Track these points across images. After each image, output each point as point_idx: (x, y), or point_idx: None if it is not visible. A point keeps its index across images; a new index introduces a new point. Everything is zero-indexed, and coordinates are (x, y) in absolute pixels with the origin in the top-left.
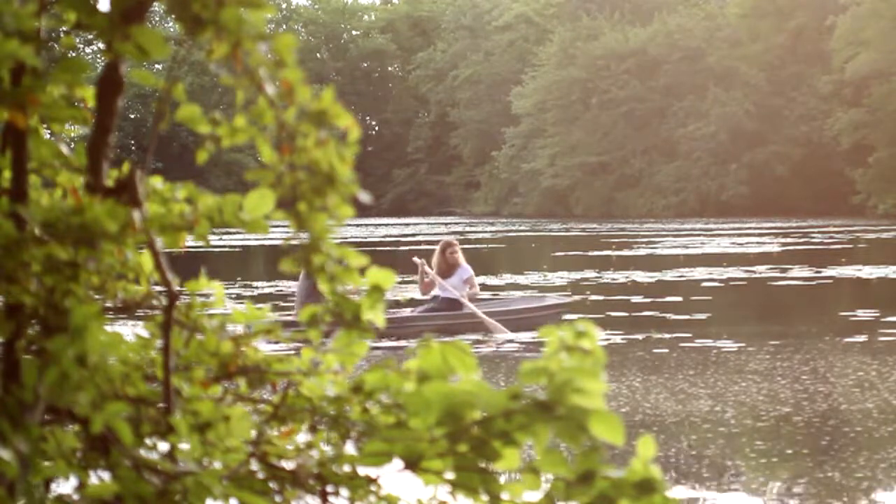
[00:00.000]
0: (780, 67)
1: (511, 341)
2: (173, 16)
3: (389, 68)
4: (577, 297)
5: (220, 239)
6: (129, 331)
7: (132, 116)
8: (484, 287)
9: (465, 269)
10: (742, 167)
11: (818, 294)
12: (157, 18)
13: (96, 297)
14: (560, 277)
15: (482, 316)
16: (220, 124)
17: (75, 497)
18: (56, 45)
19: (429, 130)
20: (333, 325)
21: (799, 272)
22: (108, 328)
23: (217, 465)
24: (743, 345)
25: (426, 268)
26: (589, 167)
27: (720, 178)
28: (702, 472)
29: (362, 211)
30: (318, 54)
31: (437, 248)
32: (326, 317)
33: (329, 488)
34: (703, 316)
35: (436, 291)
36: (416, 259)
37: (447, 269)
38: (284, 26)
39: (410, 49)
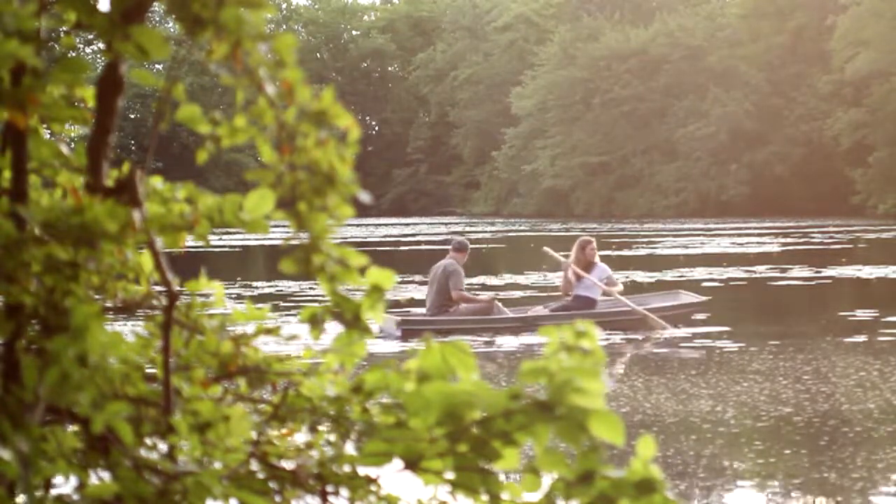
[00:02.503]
0: (780, 67)
1: (672, 336)
2: (173, 16)
3: (389, 68)
4: (708, 297)
5: (220, 239)
6: (129, 331)
7: (132, 116)
8: (483, 287)
9: (603, 269)
10: (742, 167)
11: (818, 294)
12: (157, 18)
13: (96, 297)
14: (560, 277)
15: (642, 311)
16: (220, 124)
17: (75, 497)
18: (56, 45)
19: (429, 130)
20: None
21: (799, 272)
22: (108, 328)
23: (217, 465)
24: (743, 345)
25: (572, 265)
26: (589, 167)
27: (720, 178)
28: (702, 472)
29: (362, 211)
30: (318, 54)
31: (576, 244)
32: (326, 316)
33: (329, 488)
34: (703, 316)
35: (576, 290)
36: (554, 254)
37: (585, 267)
38: (284, 26)
39: (410, 49)
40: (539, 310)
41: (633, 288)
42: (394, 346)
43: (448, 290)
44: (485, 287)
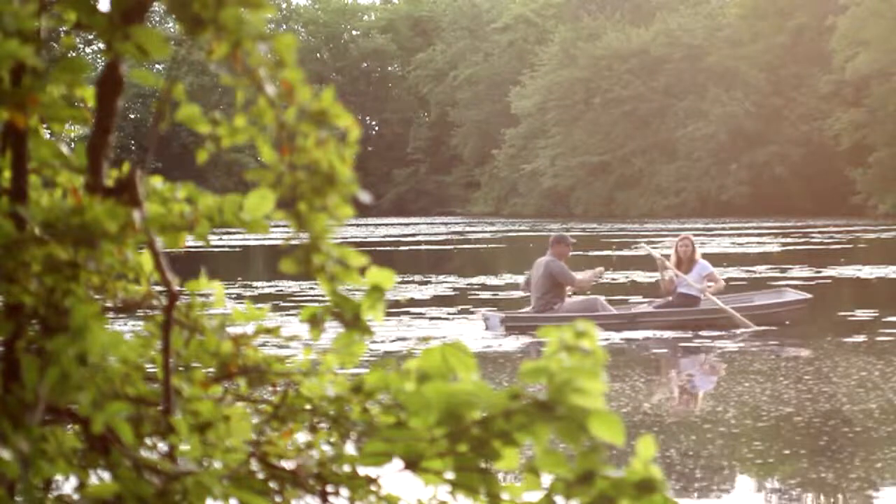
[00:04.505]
0: (780, 67)
1: (756, 335)
2: (173, 16)
3: (389, 68)
4: (810, 295)
5: (220, 239)
6: (129, 331)
7: (132, 116)
8: (483, 287)
9: (704, 266)
10: (742, 167)
11: (818, 294)
12: (157, 18)
13: (96, 297)
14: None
15: (728, 310)
16: (220, 124)
17: (75, 497)
18: (56, 45)
19: (429, 130)
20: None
21: (799, 272)
22: (108, 328)
23: (217, 465)
24: (743, 345)
25: (667, 262)
26: (589, 167)
27: (720, 178)
28: (702, 472)
29: (362, 211)
30: (318, 54)
31: (675, 243)
32: (326, 316)
33: (329, 488)
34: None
35: (679, 288)
36: (654, 253)
37: (684, 265)
38: (284, 26)
39: (410, 49)
40: (643, 307)
41: (735, 286)
42: (498, 342)
43: (551, 287)
44: (484, 286)
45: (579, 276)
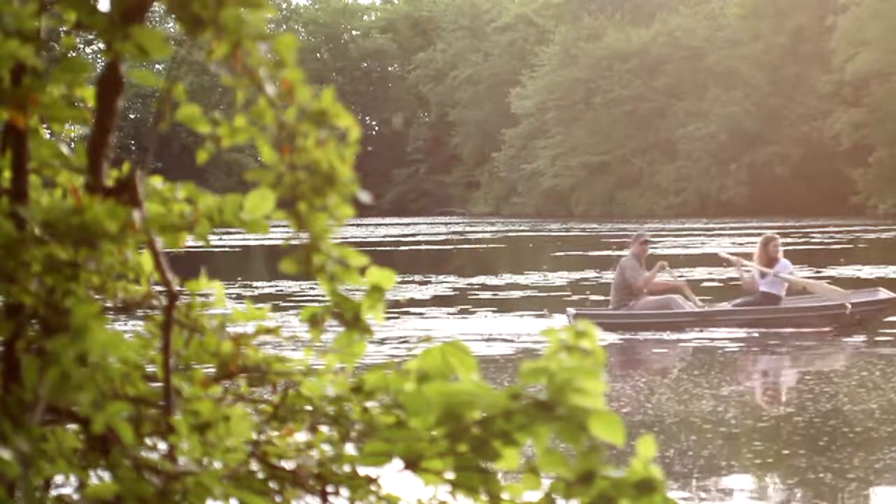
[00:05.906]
0: (780, 67)
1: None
2: (173, 16)
3: (389, 68)
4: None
5: (220, 239)
6: (129, 331)
7: (132, 116)
8: (483, 287)
9: (785, 264)
10: (742, 167)
11: None
12: (157, 18)
13: (96, 297)
14: (560, 277)
15: (814, 284)
16: (220, 124)
17: (75, 497)
18: (56, 45)
19: (429, 130)
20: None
21: (799, 272)
22: (108, 328)
23: (217, 465)
24: (744, 345)
25: (743, 261)
26: (589, 167)
27: (720, 178)
28: (702, 472)
29: (362, 211)
30: (318, 54)
31: (759, 241)
32: (326, 316)
33: (329, 488)
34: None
35: (761, 287)
36: (726, 255)
37: (767, 264)
38: (284, 26)
39: (410, 49)
40: (723, 305)
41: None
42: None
43: (624, 286)
44: (484, 286)
45: (646, 274)
